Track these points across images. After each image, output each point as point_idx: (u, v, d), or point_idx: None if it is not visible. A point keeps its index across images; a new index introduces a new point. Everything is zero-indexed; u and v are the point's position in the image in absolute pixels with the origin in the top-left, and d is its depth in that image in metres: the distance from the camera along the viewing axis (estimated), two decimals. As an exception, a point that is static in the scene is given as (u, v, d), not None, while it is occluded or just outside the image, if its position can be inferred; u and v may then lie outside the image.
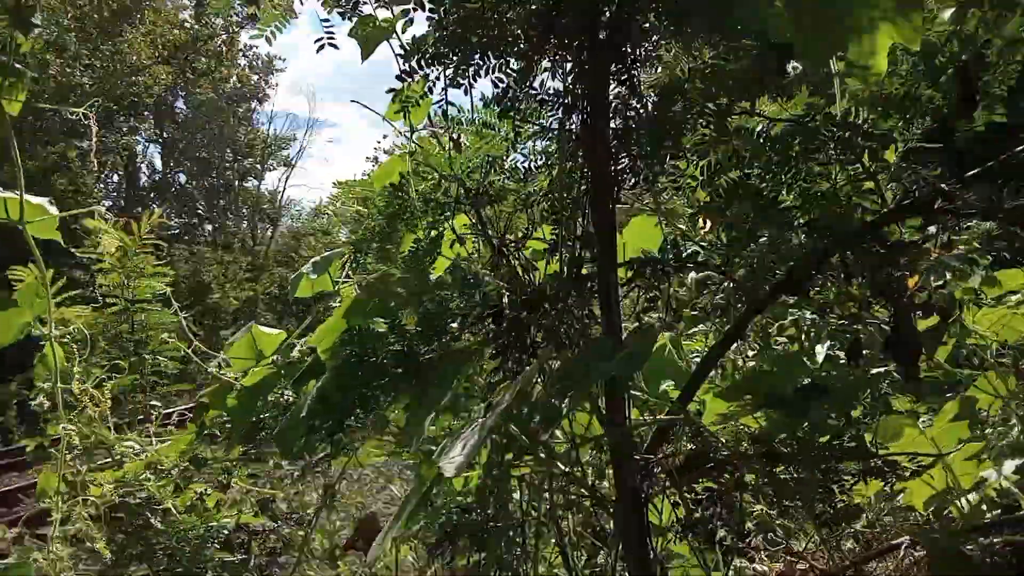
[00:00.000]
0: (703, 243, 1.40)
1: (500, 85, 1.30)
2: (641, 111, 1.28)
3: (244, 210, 29.27)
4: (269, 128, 29.22)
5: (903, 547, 1.48)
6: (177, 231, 24.71)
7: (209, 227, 27.39)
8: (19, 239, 1.75)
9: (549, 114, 1.36)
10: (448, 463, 1.03)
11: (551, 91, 1.31)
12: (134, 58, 18.25)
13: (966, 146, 1.31)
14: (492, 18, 1.21)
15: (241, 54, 27.09)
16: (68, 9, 16.90)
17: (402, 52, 1.34)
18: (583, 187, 1.33)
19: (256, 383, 1.89)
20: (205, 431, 2.12)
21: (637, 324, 1.44)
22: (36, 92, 15.85)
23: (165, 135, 25.90)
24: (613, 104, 1.28)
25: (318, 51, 1.40)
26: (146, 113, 23.84)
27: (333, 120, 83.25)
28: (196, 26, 20.73)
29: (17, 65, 1.55)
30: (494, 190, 1.51)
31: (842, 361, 1.44)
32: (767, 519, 1.55)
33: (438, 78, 1.31)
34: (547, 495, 1.39)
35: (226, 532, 2.11)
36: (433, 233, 1.55)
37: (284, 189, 31.41)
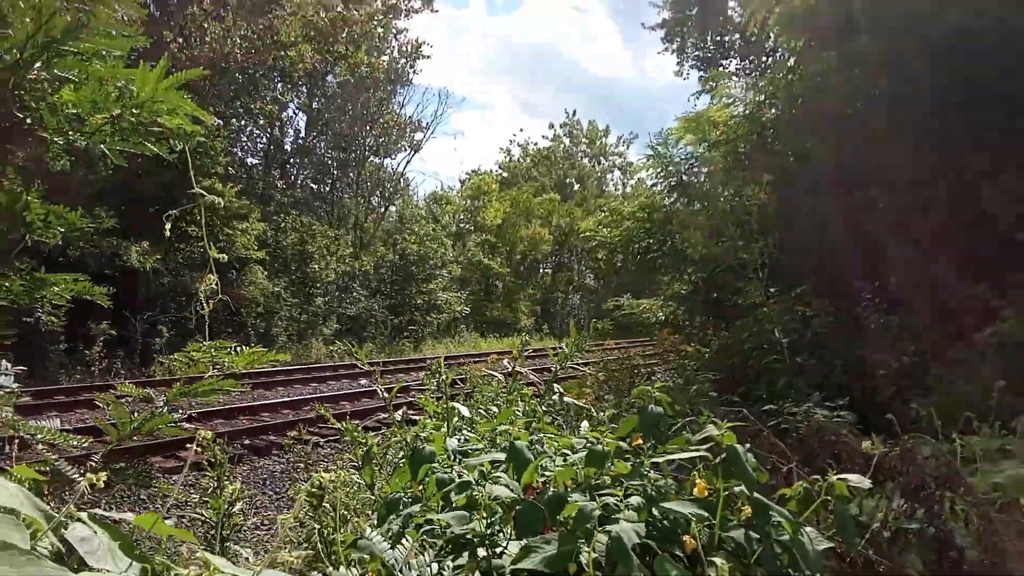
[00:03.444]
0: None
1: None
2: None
3: (367, 185, 30.76)
4: (418, 103, 29.82)
5: None
6: (303, 198, 26.33)
7: (328, 198, 28.94)
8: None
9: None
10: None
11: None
12: (282, 35, 19.52)
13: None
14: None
15: (394, 37, 28.62)
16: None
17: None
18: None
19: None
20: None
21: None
22: (192, 57, 17.44)
23: (314, 105, 27.65)
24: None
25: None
26: (300, 83, 25.52)
27: (483, 100, 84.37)
28: (342, 10, 22.01)
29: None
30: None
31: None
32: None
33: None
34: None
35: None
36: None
37: (403, 171, 32.80)
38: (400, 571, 1.16)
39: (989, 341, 5.85)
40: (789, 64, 9.86)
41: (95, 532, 1.13)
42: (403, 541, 1.28)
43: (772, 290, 6.76)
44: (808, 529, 1.49)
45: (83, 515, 1.15)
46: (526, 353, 3.82)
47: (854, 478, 1.57)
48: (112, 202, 15.18)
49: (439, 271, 27.42)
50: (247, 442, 9.35)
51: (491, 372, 5.16)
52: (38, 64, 1.81)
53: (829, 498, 1.57)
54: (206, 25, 17.79)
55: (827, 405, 4.96)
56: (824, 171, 8.26)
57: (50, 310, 12.38)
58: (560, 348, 3.19)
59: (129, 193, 15.98)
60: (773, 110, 9.54)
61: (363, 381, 15.54)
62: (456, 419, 2.88)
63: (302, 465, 8.27)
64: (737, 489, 1.48)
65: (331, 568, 1.18)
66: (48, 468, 1.88)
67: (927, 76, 7.29)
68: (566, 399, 2.76)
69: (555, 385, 2.71)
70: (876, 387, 6.35)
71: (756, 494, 1.44)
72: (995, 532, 1.74)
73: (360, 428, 4.43)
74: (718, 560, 1.25)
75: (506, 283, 35.58)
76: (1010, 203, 6.34)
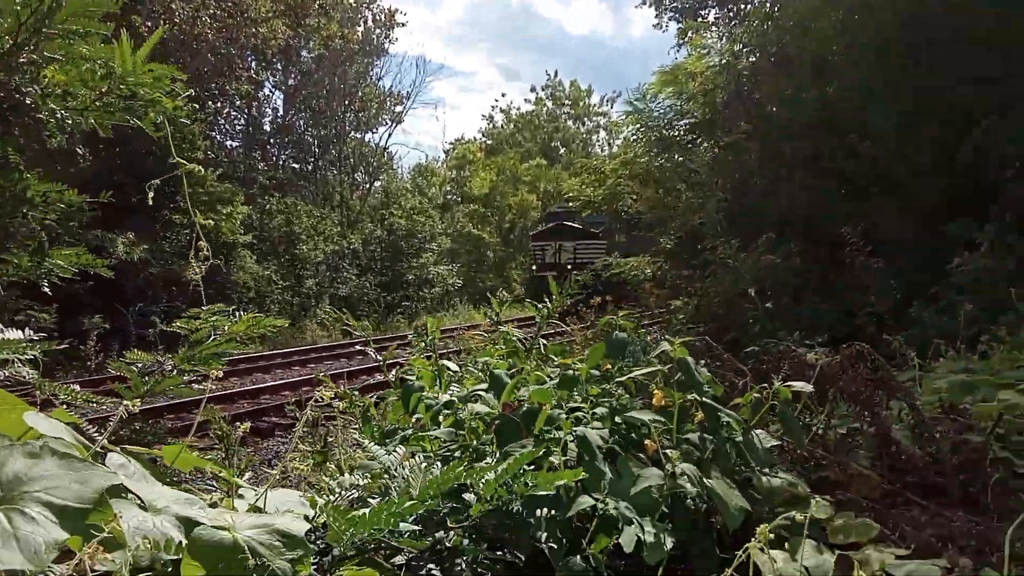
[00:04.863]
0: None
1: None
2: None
3: (350, 161, 30.56)
4: (396, 73, 29.19)
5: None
6: (286, 178, 26.18)
7: (311, 177, 28.77)
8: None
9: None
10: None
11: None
12: (252, 11, 19.25)
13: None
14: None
15: (366, 7, 28.19)
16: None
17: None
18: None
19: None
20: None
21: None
22: (162, 40, 17.21)
23: (289, 82, 27.31)
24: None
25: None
26: (274, 61, 25.15)
27: (462, 67, 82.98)
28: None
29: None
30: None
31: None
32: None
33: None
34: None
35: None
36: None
37: (387, 145, 32.64)
38: (395, 471, 1.34)
39: (962, 274, 6.07)
40: (765, 10, 9.89)
41: (129, 461, 1.30)
42: (396, 450, 1.48)
43: (734, 241, 6.97)
44: (758, 431, 1.68)
45: (116, 448, 1.31)
46: (517, 320, 4.00)
47: (798, 384, 1.75)
48: (93, 195, 15.13)
49: (428, 244, 27.47)
50: (250, 424, 9.55)
51: (482, 334, 5.33)
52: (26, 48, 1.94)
53: (776, 403, 1.75)
54: (173, 6, 17.53)
55: (807, 344, 5.18)
56: (805, 117, 8.36)
57: (41, 307, 12.37)
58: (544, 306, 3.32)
59: (110, 185, 15.94)
60: (751, 58, 9.59)
61: (359, 358, 15.71)
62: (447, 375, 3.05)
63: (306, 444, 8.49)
64: (691, 398, 1.66)
65: (338, 474, 1.35)
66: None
67: (899, 16, 7.39)
68: (547, 346, 2.93)
69: (540, 340, 2.88)
70: (860, 326, 6.58)
71: (706, 399, 1.62)
72: (926, 425, 1.94)
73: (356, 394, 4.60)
74: (672, 453, 1.43)
75: (497, 253, 35.67)
76: (994, 146, 6.51)
